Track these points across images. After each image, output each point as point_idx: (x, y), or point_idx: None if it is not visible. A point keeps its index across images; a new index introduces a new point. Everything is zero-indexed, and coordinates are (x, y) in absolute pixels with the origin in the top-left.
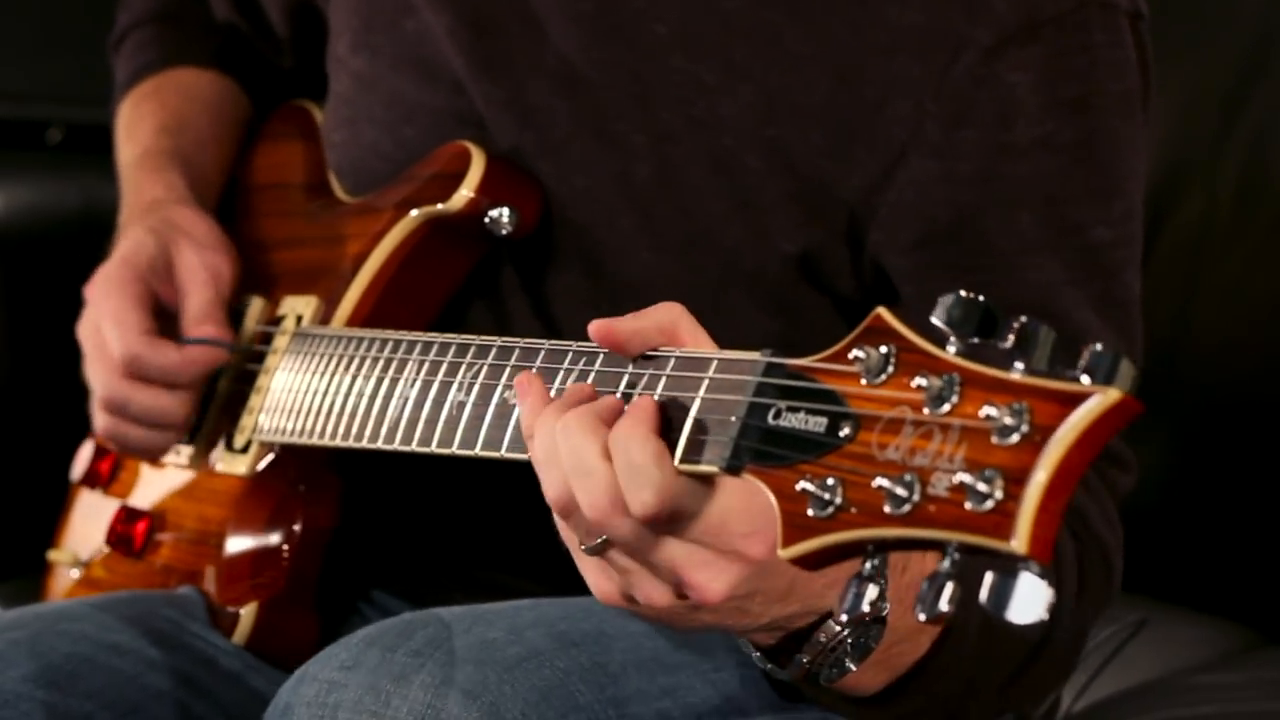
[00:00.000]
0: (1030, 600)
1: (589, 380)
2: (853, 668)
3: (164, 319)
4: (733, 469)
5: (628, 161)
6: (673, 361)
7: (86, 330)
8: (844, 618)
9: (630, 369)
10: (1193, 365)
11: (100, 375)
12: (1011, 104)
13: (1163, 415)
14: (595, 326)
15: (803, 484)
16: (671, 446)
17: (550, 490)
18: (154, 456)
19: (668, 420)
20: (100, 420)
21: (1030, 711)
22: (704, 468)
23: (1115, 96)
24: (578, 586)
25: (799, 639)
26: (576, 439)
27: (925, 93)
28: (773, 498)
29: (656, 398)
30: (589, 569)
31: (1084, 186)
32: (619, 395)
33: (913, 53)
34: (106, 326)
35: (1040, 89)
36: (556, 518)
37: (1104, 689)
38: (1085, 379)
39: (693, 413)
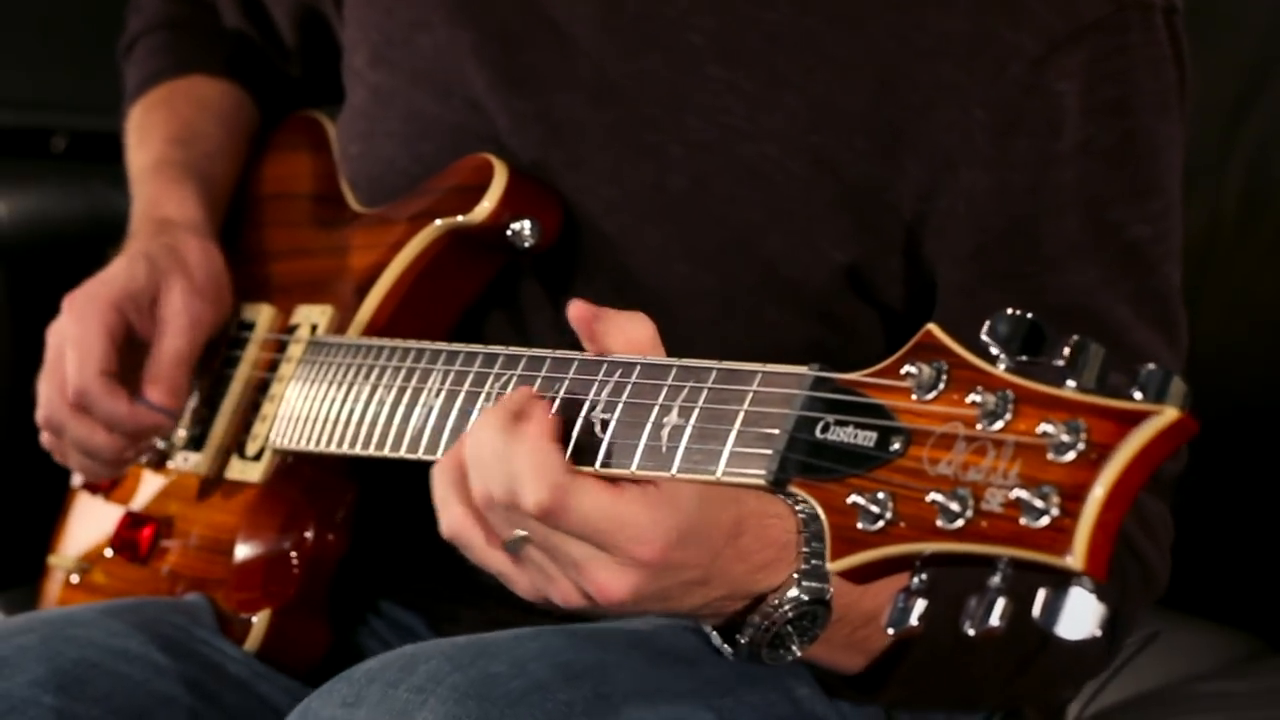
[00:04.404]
0: (1082, 616)
1: (624, 394)
2: (798, 652)
3: (133, 348)
4: (779, 482)
5: (662, 172)
6: (715, 374)
7: (53, 340)
8: (890, 630)
9: (670, 381)
10: (1198, 373)
11: (47, 392)
12: (1059, 112)
13: None
14: (578, 308)
15: (853, 498)
16: (714, 459)
17: (477, 486)
18: (94, 478)
19: (710, 433)
20: (42, 434)
21: (1056, 702)
22: (749, 480)
23: (1152, 95)
24: None
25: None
26: (489, 432)
27: (973, 100)
28: (821, 511)
29: (686, 417)
30: (508, 569)
31: (1123, 187)
32: (657, 406)
33: (958, 59)
34: (69, 351)
35: (1083, 95)
36: (473, 525)
37: (1110, 696)
38: (1138, 395)
39: (737, 425)
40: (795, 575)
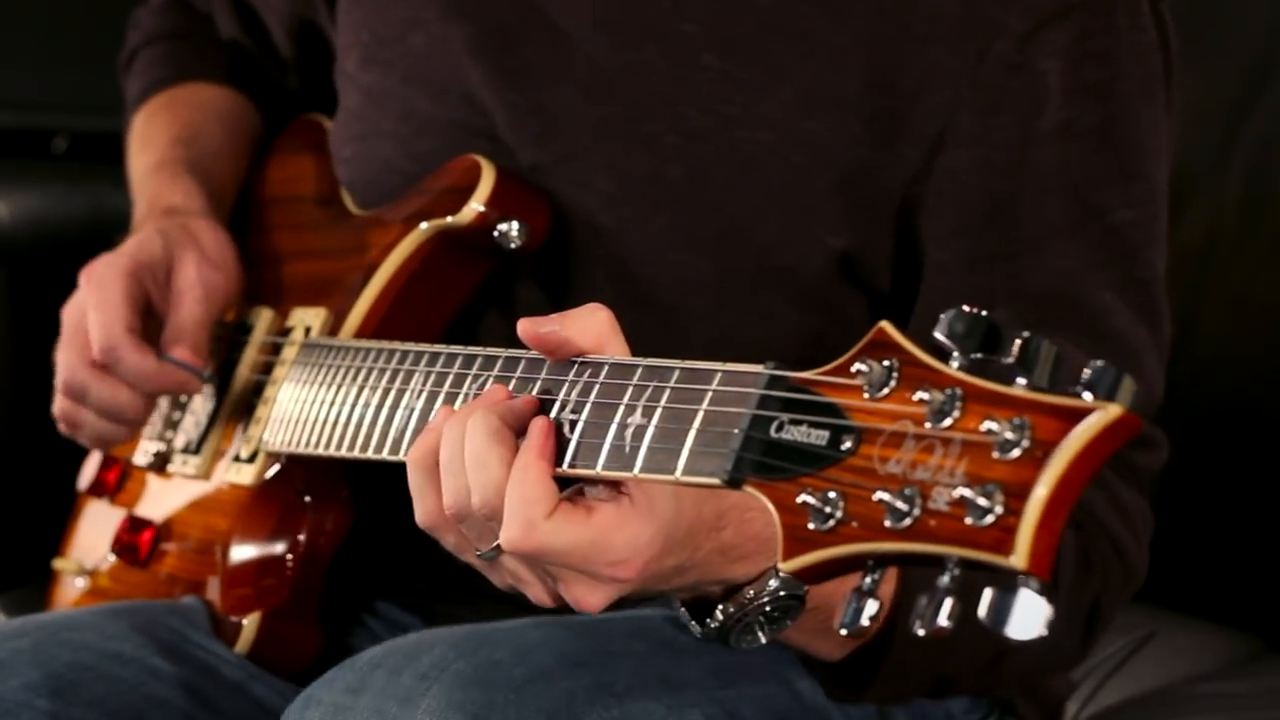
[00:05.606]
0: (1029, 616)
1: (593, 394)
2: (764, 639)
3: (150, 321)
4: (734, 481)
5: (659, 162)
6: (676, 374)
7: (71, 313)
8: (843, 631)
9: (635, 380)
10: (1198, 374)
11: (66, 358)
12: (1042, 90)
13: (1168, 423)
14: (525, 327)
15: (804, 496)
16: (674, 458)
17: (449, 495)
18: (107, 447)
19: (671, 433)
20: (58, 402)
21: (1046, 693)
22: (705, 480)
23: (1136, 79)
24: None
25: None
26: (481, 440)
27: (961, 81)
28: (774, 510)
29: (655, 415)
30: (481, 566)
31: (1105, 171)
32: (622, 406)
33: (947, 41)
34: (92, 313)
35: (1067, 74)
36: (447, 524)
37: (1110, 697)
38: (1087, 395)
39: (695, 425)
40: (775, 568)
